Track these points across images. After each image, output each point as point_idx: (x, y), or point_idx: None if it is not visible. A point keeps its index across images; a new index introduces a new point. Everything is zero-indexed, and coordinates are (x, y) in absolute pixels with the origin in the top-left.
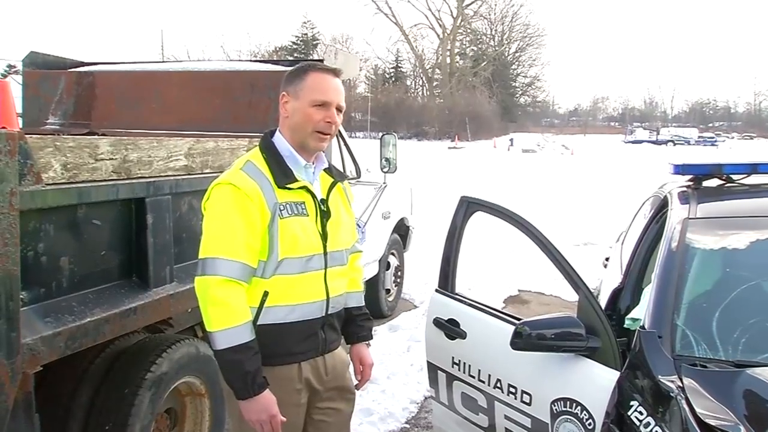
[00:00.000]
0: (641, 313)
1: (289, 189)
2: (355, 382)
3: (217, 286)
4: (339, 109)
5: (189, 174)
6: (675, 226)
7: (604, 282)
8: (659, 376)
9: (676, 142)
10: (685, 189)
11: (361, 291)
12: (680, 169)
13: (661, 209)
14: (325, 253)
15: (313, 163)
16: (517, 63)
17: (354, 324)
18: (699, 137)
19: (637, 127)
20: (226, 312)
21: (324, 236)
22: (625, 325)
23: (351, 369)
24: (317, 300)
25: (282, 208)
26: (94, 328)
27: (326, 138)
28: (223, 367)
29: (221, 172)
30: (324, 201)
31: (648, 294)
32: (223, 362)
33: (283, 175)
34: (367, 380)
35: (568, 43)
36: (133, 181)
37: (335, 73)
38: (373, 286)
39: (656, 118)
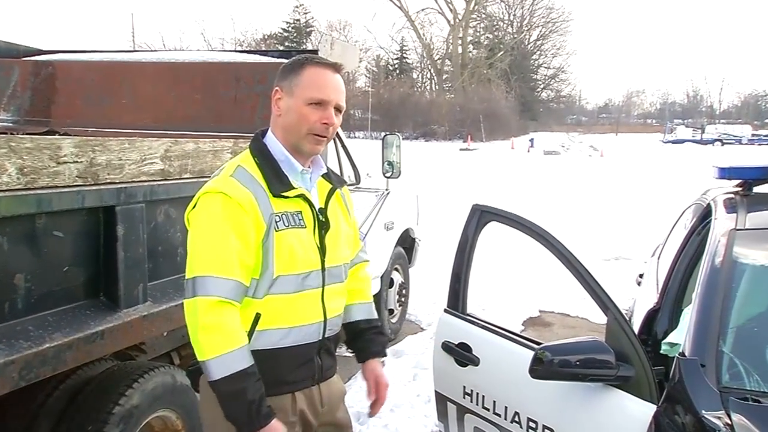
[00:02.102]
0: (680, 337)
1: (285, 198)
2: (358, 409)
3: (209, 309)
4: (338, 109)
5: (165, 179)
6: (720, 238)
7: (638, 302)
8: (703, 411)
9: (724, 141)
10: (731, 196)
11: (370, 302)
12: (727, 173)
13: (703, 219)
14: (323, 270)
15: (310, 168)
16: (538, 52)
17: (364, 339)
18: (752, 135)
19: (678, 125)
20: (220, 337)
21: (322, 250)
22: (661, 351)
23: (365, 391)
24: (314, 322)
25: (278, 219)
26: (54, 355)
27: (322, 141)
28: (223, 400)
29: (202, 177)
30: (322, 210)
31: (688, 316)
32: (221, 394)
33: (278, 182)
34: (382, 403)
35: (598, 29)
36: (101, 187)
37: (336, 68)
38: (374, 305)
39: (701, 114)
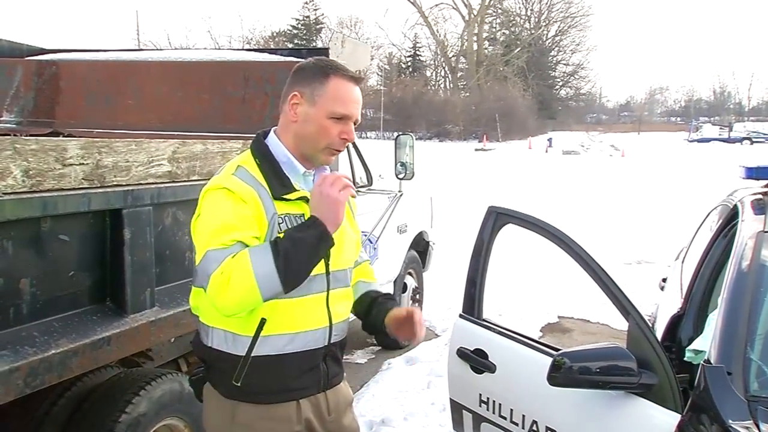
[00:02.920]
0: (706, 344)
1: (287, 200)
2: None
3: (214, 281)
4: (355, 123)
5: (173, 181)
6: (747, 240)
7: (661, 307)
8: (730, 421)
9: (754, 139)
10: (759, 196)
11: (376, 282)
12: (754, 173)
13: (730, 221)
14: (328, 273)
15: (312, 170)
16: (557, 48)
17: (377, 304)
18: None
19: (703, 123)
20: (240, 269)
21: (326, 254)
22: (686, 359)
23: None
24: (319, 327)
25: (280, 221)
26: (60, 362)
27: (336, 154)
28: (304, 248)
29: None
30: None
31: (714, 322)
32: (285, 274)
33: (279, 185)
34: (420, 338)
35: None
36: (108, 189)
37: (357, 80)
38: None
39: (728, 111)
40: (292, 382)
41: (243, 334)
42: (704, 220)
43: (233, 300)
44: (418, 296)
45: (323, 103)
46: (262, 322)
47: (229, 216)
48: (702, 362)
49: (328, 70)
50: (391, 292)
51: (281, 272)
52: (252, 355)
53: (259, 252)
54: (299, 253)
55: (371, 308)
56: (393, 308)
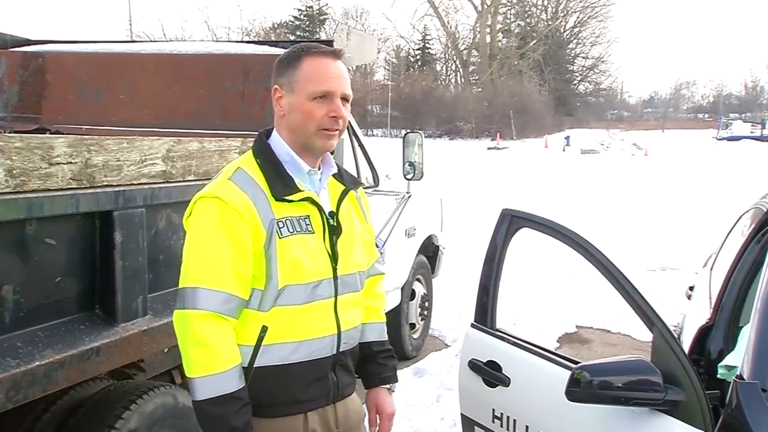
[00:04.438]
0: (738, 359)
1: (290, 201)
2: None
3: (199, 322)
4: (345, 99)
5: (167, 182)
6: None
7: (688, 318)
8: None
9: None
10: None
11: (383, 322)
12: None
13: (763, 225)
14: (335, 278)
15: (319, 169)
16: (575, 41)
17: (374, 363)
18: None
19: (734, 120)
20: (209, 354)
21: (334, 257)
22: (718, 375)
23: (366, 421)
24: (327, 335)
25: (281, 225)
26: (45, 374)
27: (334, 135)
28: (203, 423)
29: (207, 179)
30: (333, 214)
31: (747, 334)
32: (202, 416)
33: (281, 185)
34: None
35: (643, 13)
36: (98, 190)
37: (335, 54)
38: (394, 319)
39: (761, 108)
40: (299, 394)
41: (243, 344)
42: (735, 225)
43: (179, 339)
44: (426, 304)
45: (301, 87)
46: (264, 330)
47: (224, 244)
48: (734, 378)
49: (299, 53)
50: (399, 301)
51: (196, 404)
52: (255, 365)
53: (218, 381)
54: (213, 417)
55: (368, 362)
56: (382, 384)
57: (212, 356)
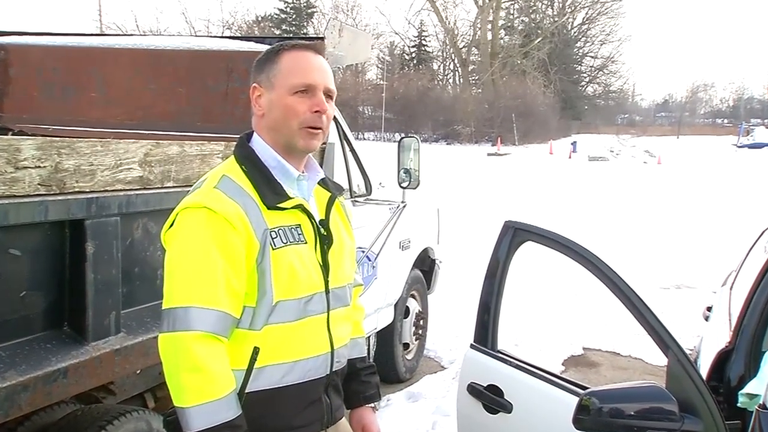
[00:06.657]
0: (762, 386)
1: (281, 209)
2: None
3: (195, 345)
4: (329, 95)
5: (144, 188)
6: None
7: (706, 341)
8: None
9: None
10: None
11: (364, 336)
12: None
13: None
14: (327, 291)
15: (305, 173)
16: (583, 39)
17: (357, 380)
18: None
19: (756, 126)
20: (205, 380)
21: (325, 269)
22: (739, 404)
23: None
24: (321, 353)
25: (274, 235)
26: (6, 397)
27: (318, 133)
28: None
29: (187, 186)
30: (324, 222)
31: None
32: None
33: (272, 193)
34: None
35: (657, 10)
36: (69, 196)
37: (316, 48)
38: (386, 338)
39: None
40: (293, 419)
41: (234, 368)
42: (757, 240)
43: (168, 365)
44: (422, 322)
45: (280, 82)
46: (256, 351)
47: (215, 258)
48: (756, 407)
49: (277, 48)
50: (391, 318)
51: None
52: (246, 391)
53: (215, 410)
54: None
55: (351, 380)
56: (366, 403)
57: (209, 382)
